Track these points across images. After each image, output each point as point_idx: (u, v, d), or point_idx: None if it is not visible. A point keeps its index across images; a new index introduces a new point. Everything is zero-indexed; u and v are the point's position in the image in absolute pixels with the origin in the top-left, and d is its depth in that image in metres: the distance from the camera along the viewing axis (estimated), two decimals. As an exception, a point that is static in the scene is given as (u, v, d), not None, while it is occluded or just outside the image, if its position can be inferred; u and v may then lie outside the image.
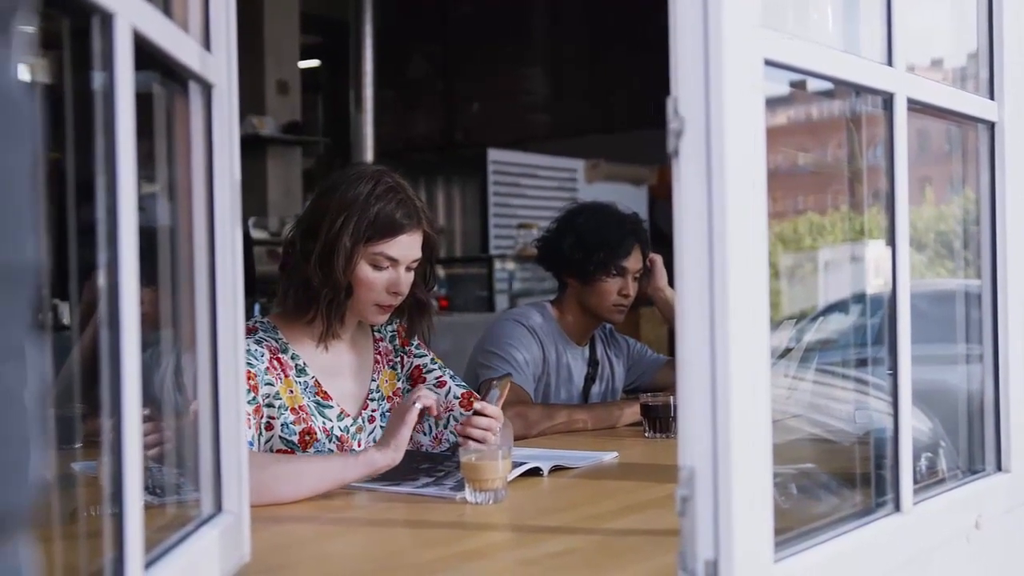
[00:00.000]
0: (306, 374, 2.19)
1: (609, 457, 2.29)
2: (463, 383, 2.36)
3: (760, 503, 1.18)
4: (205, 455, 1.33)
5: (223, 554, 1.30)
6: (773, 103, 1.23)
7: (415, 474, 2.02)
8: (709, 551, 1.14)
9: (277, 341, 2.18)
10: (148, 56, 1.09)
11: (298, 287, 2.16)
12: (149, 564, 1.06)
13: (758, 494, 1.17)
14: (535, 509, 1.86)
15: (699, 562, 1.14)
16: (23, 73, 0.59)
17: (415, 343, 2.38)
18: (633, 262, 2.94)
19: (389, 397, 2.32)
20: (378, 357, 2.34)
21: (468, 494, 1.83)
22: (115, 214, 0.97)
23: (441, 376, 2.35)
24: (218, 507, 1.34)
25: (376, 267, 2.15)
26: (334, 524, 1.75)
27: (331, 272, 2.12)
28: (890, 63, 1.47)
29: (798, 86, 1.44)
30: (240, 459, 1.37)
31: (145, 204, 1.11)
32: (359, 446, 2.22)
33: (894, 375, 1.48)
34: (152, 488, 1.36)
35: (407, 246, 2.16)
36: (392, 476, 1.99)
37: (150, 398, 1.11)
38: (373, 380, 2.31)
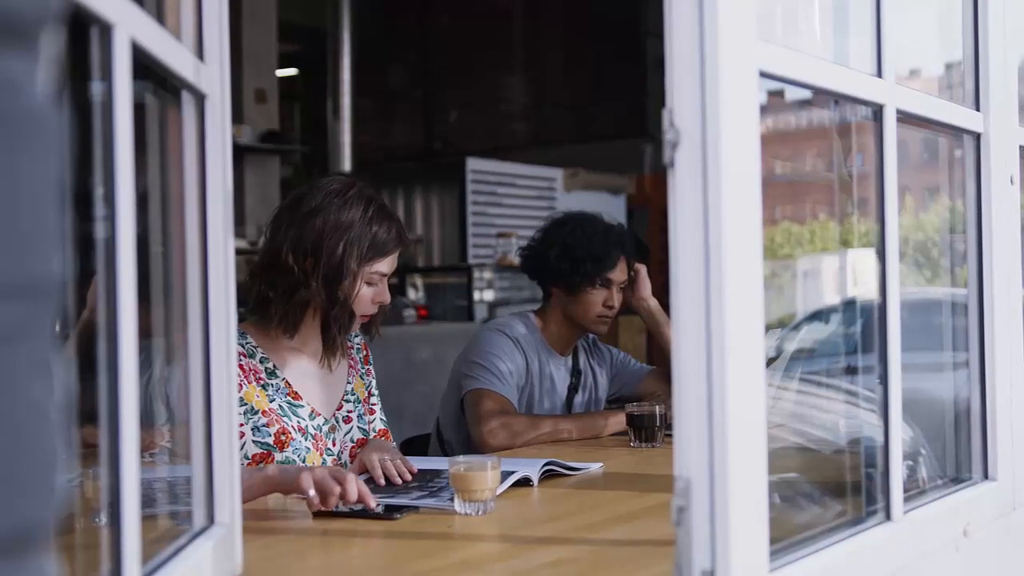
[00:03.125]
0: (277, 376, 2.23)
1: (595, 467, 2.30)
2: (385, 419, 2.47)
3: (756, 513, 1.18)
4: (198, 468, 1.32)
5: (216, 566, 1.29)
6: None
7: (407, 489, 2.01)
8: (706, 561, 1.14)
9: (244, 346, 2.22)
10: (142, 65, 1.08)
11: (297, 308, 2.21)
12: (144, 577, 1.05)
13: (754, 504, 1.17)
14: (525, 520, 1.86)
15: (695, 572, 1.15)
16: (48, 87, 0.59)
17: (370, 364, 2.48)
18: (618, 274, 2.95)
19: (364, 400, 2.40)
20: (351, 363, 2.41)
21: (457, 505, 1.82)
22: (114, 224, 0.96)
23: (375, 405, 2.46)
24: (211, 519, 1.33)
25: (370, 283, 2.24)
26: (325, 536, 1.74)
27: (337, 295, 2.19)
28: (880, 74, 1.49)
29: (775, 95, 1.45)
30: (233, 471, 1.36)
31: (137, 214, 1.10)
32: (334, 445, 2.28)
33: (884, 385, 1.49)
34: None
35: (395, 260, 2.28)
36: (386, 491, 1.98)
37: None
38: (348, 383, 2.37)
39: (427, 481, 2.09)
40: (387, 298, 2.28)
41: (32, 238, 0.55)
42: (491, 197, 7.87)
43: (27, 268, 0.54)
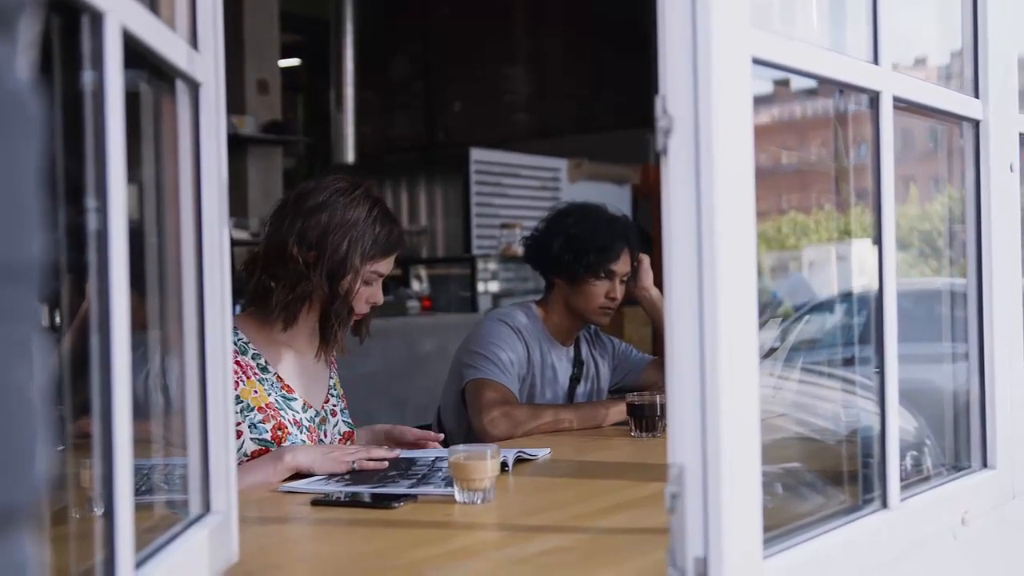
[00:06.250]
0: (268, 372, 2.26)
1: (544, 453, 2.31)
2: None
3: (749, 500, 1.18)
4: (193, 456, 1.33)
5: (212, 554, 1.29)
6: (756, 102, 1.23)
7: (396, 478, 2.02)
8: (699, 548, 1.14)
9: (236, 343, 2.23)
10: (135, 54, 1.08)
11: (298, 300, 2.23)
12: (139, 564, 1.06)
13: (747, 491, 1.17)
14: (523, 508, 1.87)
15: (688, 559, 1.15)
16: (27, 72, 0.59)
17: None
18: (621, 266, 2.94)
19: (342, 396, 2.45)
20: (332, 359, 2.44)
21: (456, 494, 1.83)
22: (106, 215, 0.96)
23: (343, 404, 2.46)
24: (206, 507, 1.33)
25: (367, 283, 2.27)
26: (322, 524, 1.75)
27: (338, 289, 2.22)
28: (876, 61, 1.48)
29: (781, 84, 1.45)
30: (228, 460, 1.36)
31: (131, 205, 1.10)
32: (325, 436, 2.33)
33: (881, 372, 1.49)
34: (138, 488, 1.35)
35: (392, 263, 2.32)
36: (377, 480, 1.99)
37: (135, 399, 1.11)
38: (331, 378, 2.42)
39: (406, 470, 2.09)
40: (380, 299, 2.33)
41: (11, 221, 0.55)
42: (495, 188, 7.86)
43: (6, 251, 0.55)
